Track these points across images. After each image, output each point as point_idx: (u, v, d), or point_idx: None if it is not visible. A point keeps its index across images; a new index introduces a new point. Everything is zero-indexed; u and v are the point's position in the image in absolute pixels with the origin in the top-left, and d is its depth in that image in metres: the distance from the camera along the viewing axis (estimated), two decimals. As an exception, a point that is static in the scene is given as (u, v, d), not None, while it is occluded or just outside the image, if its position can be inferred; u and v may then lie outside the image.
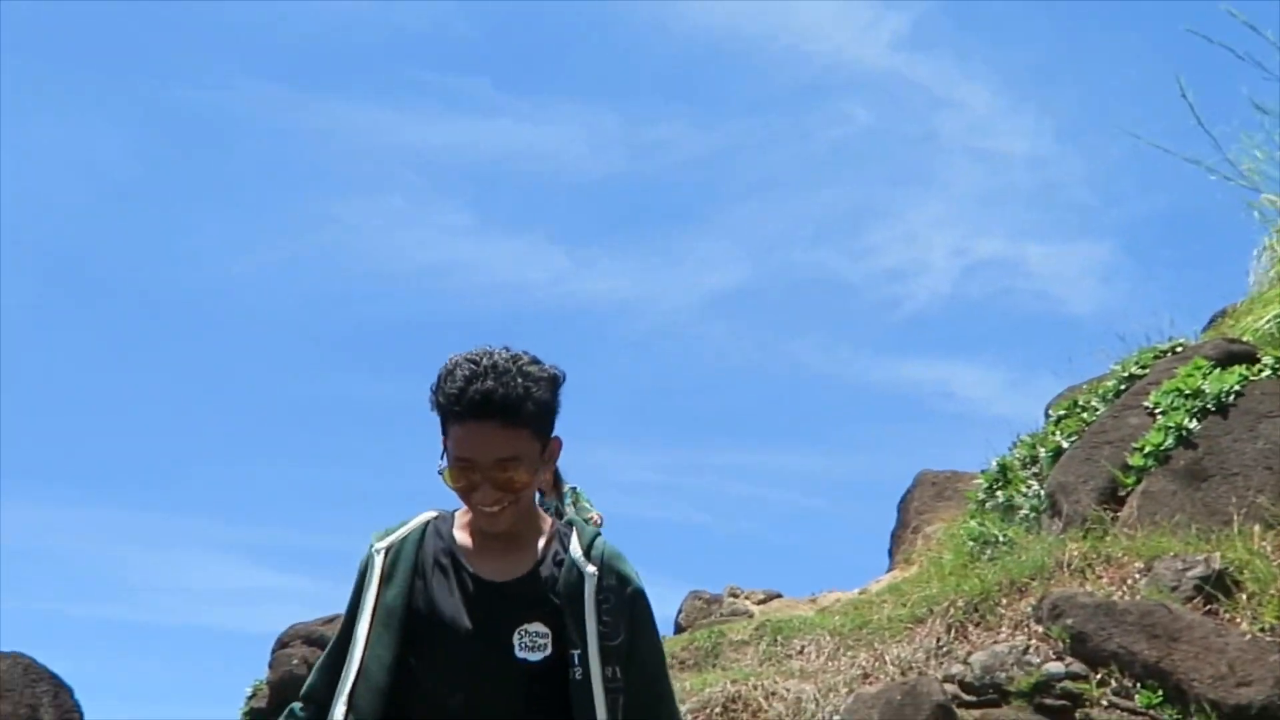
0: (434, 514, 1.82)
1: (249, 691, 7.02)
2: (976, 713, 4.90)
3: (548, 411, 1.69)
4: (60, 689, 8.75)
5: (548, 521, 1.82)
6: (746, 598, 8.99)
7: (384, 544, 1.76)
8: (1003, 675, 5.01)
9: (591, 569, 1.71)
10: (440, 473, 1.69)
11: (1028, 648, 5.10)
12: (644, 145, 28.83)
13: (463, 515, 1.78)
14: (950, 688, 5.04)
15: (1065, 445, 6.64)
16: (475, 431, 1.62)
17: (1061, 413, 7.03)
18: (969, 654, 5.26)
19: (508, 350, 1.67)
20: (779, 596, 9.05)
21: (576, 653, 1.66)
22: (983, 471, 7.47)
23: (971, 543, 6.64)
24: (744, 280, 28.48)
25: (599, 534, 1.82)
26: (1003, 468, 7.19)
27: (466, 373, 1.61)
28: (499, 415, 1.60)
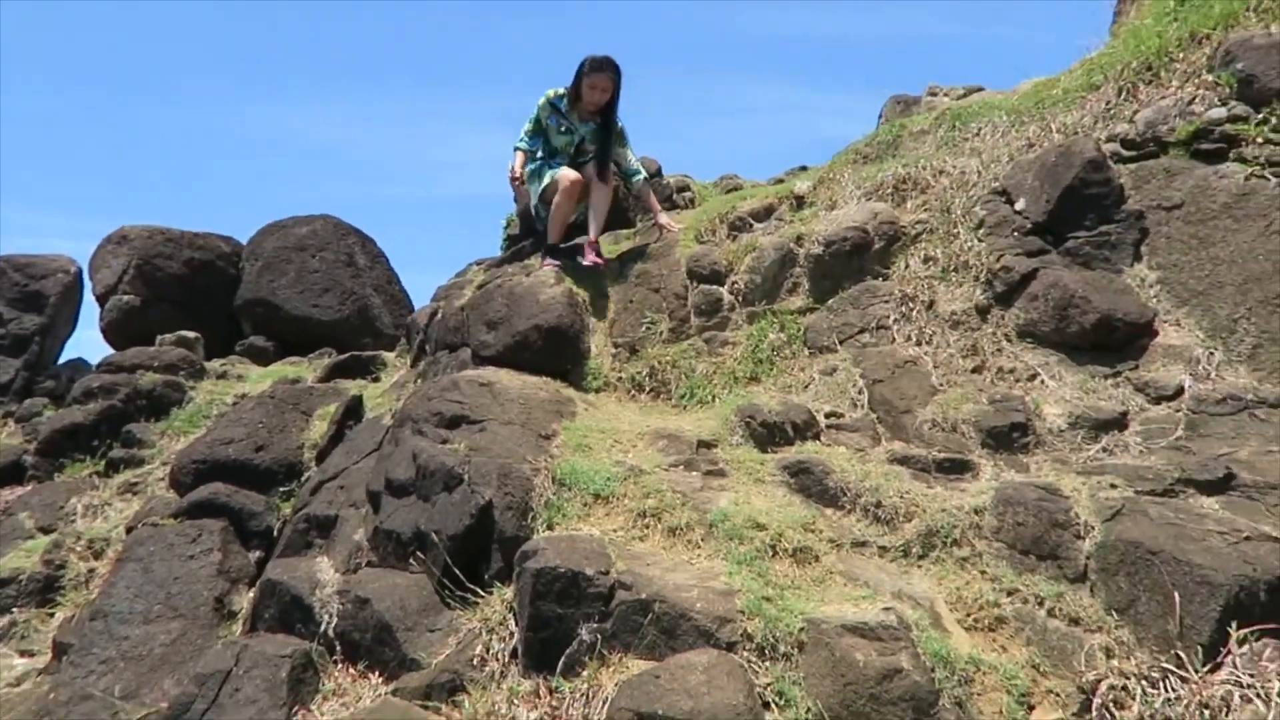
0: None
1: (504, 223, 8.42)
2: (1132, 166, 5.15)
3: None
4: (367, 240, 10.79)
5: None
6: (946, 94, 9.03)
7: None
8: (1164, 128, 5.15)
9: None
10: None
11: (1194, 98, 5.13)
12: None
13: None
14: (1110, 146, 5.26)
15: None
16: None
17: None
18: (1135, 112, 5.36)
19: None
20: (980, 90, 9.00)
21: None
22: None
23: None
24: None
25: None
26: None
27: None
28: None
